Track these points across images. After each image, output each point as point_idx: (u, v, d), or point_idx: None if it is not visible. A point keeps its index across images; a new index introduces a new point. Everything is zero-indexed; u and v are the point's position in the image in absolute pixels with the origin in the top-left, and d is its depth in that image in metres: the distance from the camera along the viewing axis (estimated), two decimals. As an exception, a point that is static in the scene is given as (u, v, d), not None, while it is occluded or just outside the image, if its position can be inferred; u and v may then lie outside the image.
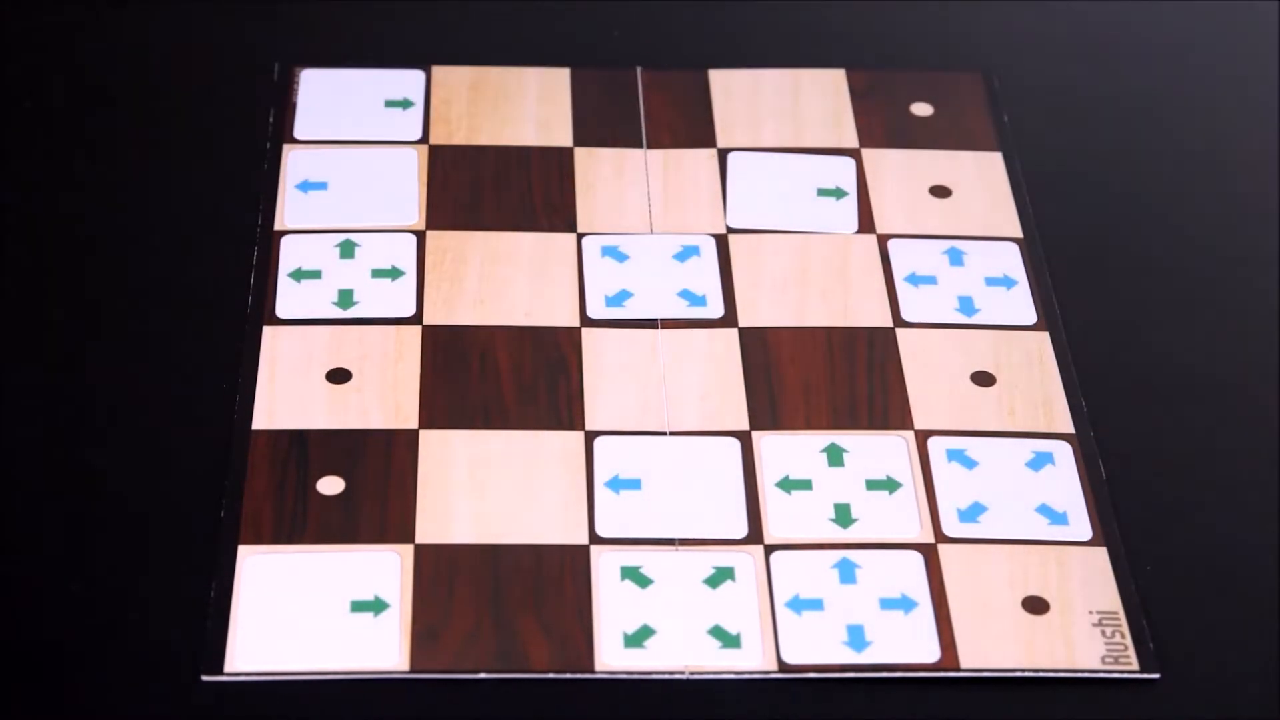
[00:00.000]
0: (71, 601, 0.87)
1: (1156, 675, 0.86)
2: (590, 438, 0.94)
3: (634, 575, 0.88)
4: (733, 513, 0.91)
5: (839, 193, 1.07)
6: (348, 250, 1.02)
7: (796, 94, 1.13)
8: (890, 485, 0.92)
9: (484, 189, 1.06)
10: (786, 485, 0.92)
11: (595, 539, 0.90)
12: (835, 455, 0.94)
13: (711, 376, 0.97)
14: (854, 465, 0.93)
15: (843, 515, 0.91)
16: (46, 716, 0.83)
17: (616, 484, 0.92)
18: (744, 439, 0.94)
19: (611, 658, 0.85)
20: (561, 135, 1.10)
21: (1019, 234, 1.05)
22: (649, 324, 0.99)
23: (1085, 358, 0.99)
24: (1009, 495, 0.92)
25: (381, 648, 0.85)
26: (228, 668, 0.84)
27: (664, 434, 0.94)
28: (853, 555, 0.89)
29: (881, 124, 1.11)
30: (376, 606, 0.86)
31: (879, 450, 0.94)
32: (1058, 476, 0.93)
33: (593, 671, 0.85)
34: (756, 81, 1.14)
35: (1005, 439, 0.95)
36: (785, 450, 0.94)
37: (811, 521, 0.91)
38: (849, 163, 1.09)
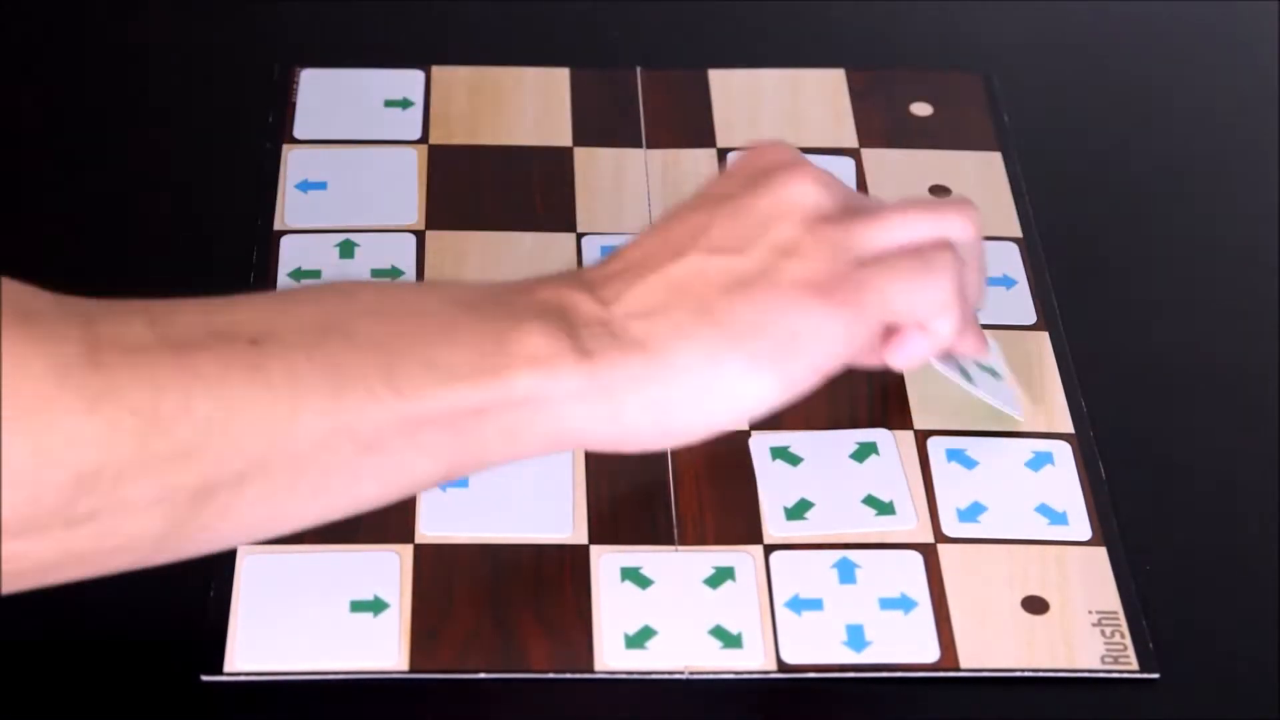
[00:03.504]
0: (71, 601, 0.87)
1: (1156, 675, 0.85)
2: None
3: (634, 576, 0.88)
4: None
5: (839, 193, 1.07)
6: (347, 250, 1.02)
7: (796, 94, 1.13)
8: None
9: (484, 189, 1.06)
10: (786, 485, 0.92)
11: (595, 539, 0.89)
12: (835, 455, 0.94)
13: (711, 376, 0.97)
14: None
15: (842, 515, 0.91)
16: (46, 716, 0.83)
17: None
18: (743, 439, 0.94)
19: (613, 659, 0.85)
20: (561, 135, 1.10)
21: (1019, 234, 1.05)
22: (649, 324, 0.99)
23: (1085, 358, 0.99)
24: (1009, 495, 0.92)
25: (381, 648, 0.85)
26: (227, 668, 0.84)
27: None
28: (852, 555, 0.89)
29: (881, 124, 1.11)
30: (376, 606, 0.86)
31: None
32: (1057, 476, 0.93)
33: (593, 671, 0.85)
34: (756, 81, 1.14)
35: (1005, 439, 0.94)
36: (785, 450, 0.94)
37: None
38: (849, 163, 1.09)
